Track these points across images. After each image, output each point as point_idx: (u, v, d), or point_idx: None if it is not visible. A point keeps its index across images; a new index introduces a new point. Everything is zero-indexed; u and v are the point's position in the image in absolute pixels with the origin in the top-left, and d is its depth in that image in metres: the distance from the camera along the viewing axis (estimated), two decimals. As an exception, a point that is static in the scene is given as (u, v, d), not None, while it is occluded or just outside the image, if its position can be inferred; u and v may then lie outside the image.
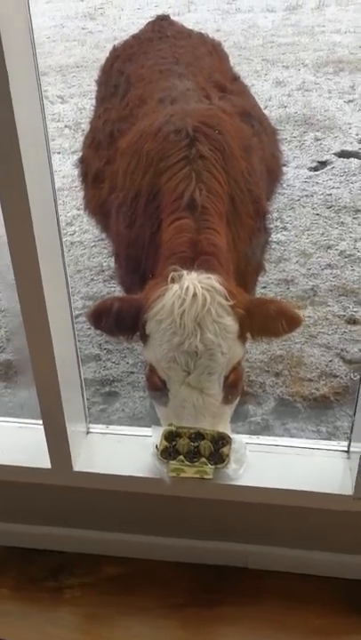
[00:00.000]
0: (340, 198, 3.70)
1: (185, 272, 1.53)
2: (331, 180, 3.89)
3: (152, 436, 1.59)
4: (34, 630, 1.72)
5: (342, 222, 3.49)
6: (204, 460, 1.50)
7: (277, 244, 3.28)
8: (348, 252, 3.25)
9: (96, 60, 4.74)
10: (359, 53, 5.77)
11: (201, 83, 2.20)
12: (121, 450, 1.70)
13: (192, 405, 1.51)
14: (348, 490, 1.56)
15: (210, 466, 1.50)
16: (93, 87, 2.77)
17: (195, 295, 1.49)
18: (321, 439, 2.27)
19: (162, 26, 2.70)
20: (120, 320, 1.58)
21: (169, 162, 1.77)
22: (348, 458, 1.63)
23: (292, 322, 1.56)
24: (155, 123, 1.90)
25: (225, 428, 1.57)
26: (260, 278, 2.30)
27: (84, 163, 2.50)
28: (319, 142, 4.31)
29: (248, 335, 1.59)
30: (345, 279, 3.07)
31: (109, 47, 2.78)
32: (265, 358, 2.65)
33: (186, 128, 1.81)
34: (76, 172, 2.70)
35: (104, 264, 3.25)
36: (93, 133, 2.46)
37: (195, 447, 1.51)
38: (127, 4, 7.40)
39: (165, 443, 1.53)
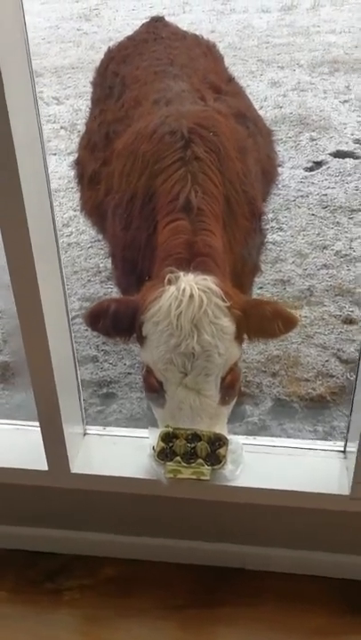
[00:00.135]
0: (335, 198, 3.70)
1: (181, 273, 1.54)
2: (326, 180, 3.89)
3: (149, 438, 1.59)
4: (32, 633, 1.72)
5: (338, 222, 3.50)
6: (200, 461, 1.50)
7: (273, 244, 3.29)
8: (343, 252, 3.25)
9: (91, 61, 4.74)
10: (354, 53, 5.79)
11: (196, 84, 2.21)
12: (118, 451, 1.70)
13: (189, 407, 1.51)
14: (345, 490, 1.57)
15: (207, 467, 1.50)
16: (89, 88, 2.77)
17: (191, 296, 1.49)
18: (318, 439, 2.27)
19: (156, 27, 2.70)
20: (117, 321, 1.59)
21: (164, 163, 1.77)
22: (345, 458, 1.64)
23: (289, 323, 1.57)
24: (150, 124, 1.91)
25: (222, 429, 1.57)
26: (256, 279, 2.31)
27: (79, 164, 2.51)
28: (315, 142, 4.32)
29: (245, 336, 1.59)
30: (341, 279, 3.07)
31: (104, 48, 2.78)
32: (262, 358, 2.65)
33: (181, 130, 1.81)
34: (72, 173, 2.71)
35: (101, 265, 3.25)
36: (89, 135, 2.46)
37: (191, 448, 1.51)
38: (122, 6, 7.40)
39: (162, 444, 1.53)
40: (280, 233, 3.41)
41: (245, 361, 2.59)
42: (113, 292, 2.91)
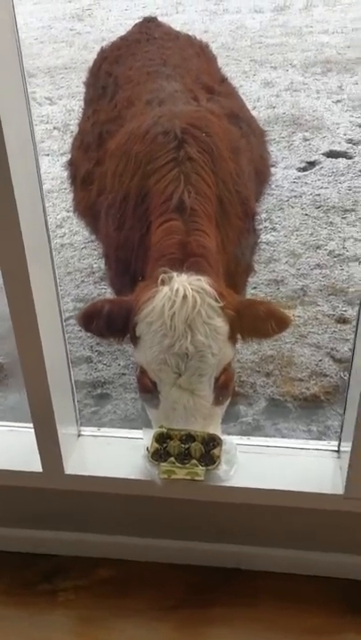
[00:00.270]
0: (328, 198, 3.71)
1: (175, 274, 1.54)
2: (319, 180, 3.90)
3: (143, 439, 1.59)
4: (27, 634, 1.72)
5: (331, 222, 3.51)
6: (194, 461, 1.50)
7: (267, 244, 3.29)
8: (337, 252, 3.26)
9: (84, 61, 4.73)
10: (347, 53, 5.81)
11: (189, 84, 2.21)
12: (112, 452, 1.70)
13: (183, 407, 1.51)
14: (339, 489, 1.57)
15: (201, 467, 1.50)
16: (82, 89, 2.76)
17: (185, 297, 1.49)
18: (312, 439, 2.28)
19: (149, 27, 2.70)
20: (110, 322, 1.58)
21: (157, 164, 1.77)
22: (339, 457, 1.64)
23: (282, 323, 1.57)
24: (143, 125, 1.90)
25: (216, 429, 1.57)
26: (250, 279, 2.31)
27: (72, 165, 2.50)
28: (308, 142, 4.33)
29: (238, 336, 1.60)
30: (334, 279, 3.08)
31: (97, 49, 2.78)
32: (255, 358, 2.65)
33: (174, 130, 1.81)
34: (65, 174, 2.70)
35: (94, 266, 3.24)
36: (82, 135, 2.45)
37: (186, 449, 1.51)
38: (115, 6, 7.40)
39: (156, 445, 1.53)
40: (273, 233, 3.42)
41: (239, 361, 2.59)
42: (107, 292, 2.91)
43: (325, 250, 3.28)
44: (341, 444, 1.63)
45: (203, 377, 1.51)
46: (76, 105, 4.08)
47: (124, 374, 2.64)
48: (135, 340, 1.57)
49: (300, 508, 1.62)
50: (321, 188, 3.82)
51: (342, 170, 3.99)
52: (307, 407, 2.46)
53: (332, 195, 3.74)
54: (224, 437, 1.57)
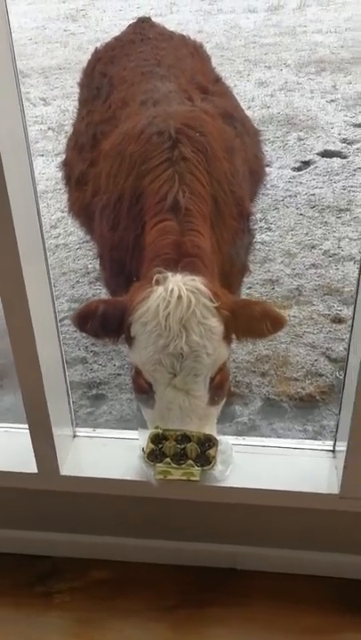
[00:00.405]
0: (323, 198, 3.71)
1: (169, 274, 1.54)
2: (314, 179, 3.91)
3: (139, 439, 1.59)
4: (24, 636, 1.71)
5: (326, 222, 3.51)
6: (190, 462, 1.50)
7: (262, 244, 3.29)
8: (332, 252, 3.26)
9: (79, 61, 4.72)
10: (341, 53, 5.82)
11: (183, 84, 2.21)
12: (108, 453, 1.70)
13: (178, 407, 1.51)
14: (335, 489, 1.57)
15: (196, 468, 1.50)
16: (76, 89, 2.76)
17: (179, 297, 1.49)
18: (308, 438, 2.28)
19: (143, 28, 2.70)
20: (105, 323, 1.58)
21: (152, 164, 1.77)
22: (334, 457, 1.64)
23: (277, 323, 1.57)
24: (137, 125, 1.90)
25: (211, 429, 1.57)
26: (245, 279, 2.31)
27: (67, 165, 2.50)
28: (302, 142, 4.33)
29: (233, 336, 1.60)
30: (329, 278, 3.08)
31: (92, 49, 2.77)
32: (251, 358, 2.65)
33: (168, 130, 1.81)
34: (59, 174, 2.69)
35: (89, 266, 3.24)
36: (76, 136, 2.45)
37: (181, 449, 1.51)
38: (109, 6, 7.39)
39: (152, 445, 1.53)
40: (268, 233, 3.42)
41: (235, 361, 2.59)
42: (102, 293, 2.91)
43: (320, 249, 3.29)
44: (337, 443, 1.63)
45: (198, 377, 1.51)
46: (71, 105, 4.08)
47: (119, 375, 2.64)
48: (130, 341, 1.57)
49: (295, 508, 1.62)
50: (316, 187, 3.82)
51: (337, 169, 3.99)
52: (302, 407, 2.47)
53: (326, 194, 3.75)
54: (220, 438, 1.57)
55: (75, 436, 1.74)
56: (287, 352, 2.67)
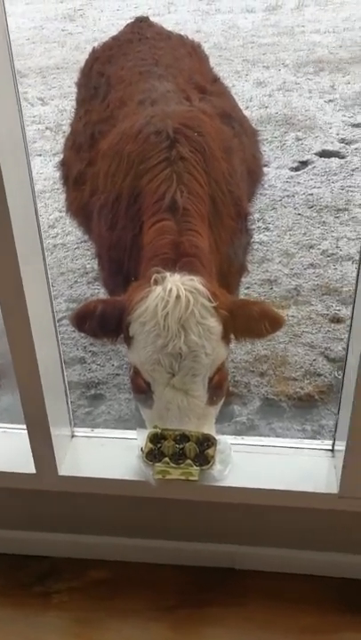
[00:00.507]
0: (321, 198, 3.72)
1: (168, 274, 1.53)
2: (312, 179, 3.91)
3: (137, 439, 1.59)
4: (23, 636, 1.71)
5: (324, 222, 3.51)
6: (189, 461, 1.50)
7: (260, 244, 3.29)
8: (330, 252, 3.26)
9: (76, 61, 4.72)
10: (339, 53, 5.82)
11: (181, 84, 2.21)
12: (106, 453, 1.70)
13: (177, 407, 1.51)
14: (334, 488, 1.57)
15: (195, 467, 1.50)
16: (74, 89, 2.76)
17: (178, 297, 1.48)
18: (306, 438, 2.28)
19: (141, 27, 2.70)
20: (104, 322, 1.58)
21: (150, 163, 1.77)
22: (333, 456, 1.64)
23: (275, 323, 1.57)
24: (135, 124, 1.90)
25: (210, 429, 1.57)
26: (243, 279, 2.31)
27: (65, 165, 2.50)
28: (300, 142, 4.33)
29: (232, 336, 1.59)
30: (328, 278, 3.09)
31: (89, 49, 2.77)
32: (249, 358, 2.65)
33: (166, 130, 1.81)
34: (57, 174, 2.69)
35: (87, 266, 3.24)
36: (74, 136, 2.45)
37: (180, 449, 1.51)
38: (106, 6, 7.39)
39: (150, 445, 1.52)
40: (266, 233, 3.42)
41: (233, 361, 2.59)
42: (100, 292, 2.91)
43: (319, 249, 3.29)
44: (336, 443, 1.63)
45: (196, 377, 1.51)
46: (69, 105, 4.07)
47: (117, 375, 2.64)
48: (128, 341, 1.57)
49: (294, 508, 1.62)
50: (314, 187, 3.82)
51: (335, 169, 3.99)
52: (301, 406, 2.47)
53: (324, 194, 3.75)
54: (218, 437, 1.57)
55: (73, 436, 1.74)
56: (286, 352, 2.67)
